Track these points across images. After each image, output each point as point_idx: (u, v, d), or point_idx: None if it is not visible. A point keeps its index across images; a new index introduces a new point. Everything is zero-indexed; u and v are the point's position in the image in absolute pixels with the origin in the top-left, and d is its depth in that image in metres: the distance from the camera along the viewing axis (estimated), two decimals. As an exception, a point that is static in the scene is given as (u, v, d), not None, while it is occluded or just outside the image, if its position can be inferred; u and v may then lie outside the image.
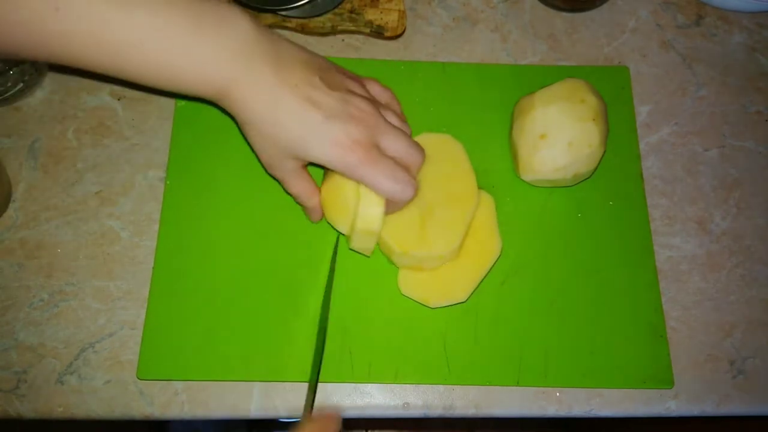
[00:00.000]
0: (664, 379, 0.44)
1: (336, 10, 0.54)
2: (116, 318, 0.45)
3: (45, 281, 0.46)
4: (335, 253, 0.46)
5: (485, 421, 1.02)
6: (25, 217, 0.48)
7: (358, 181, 0.40)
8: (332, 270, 0.46)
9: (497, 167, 0.50)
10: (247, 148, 0.45)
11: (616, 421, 0.66)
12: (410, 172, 0.42)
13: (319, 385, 0.44)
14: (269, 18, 0.54)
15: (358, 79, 0.44)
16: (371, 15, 0.54)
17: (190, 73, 0.36)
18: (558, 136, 0.45)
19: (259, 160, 0.42)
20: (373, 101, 0.42)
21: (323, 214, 0.45)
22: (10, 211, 0.48)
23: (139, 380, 0.44)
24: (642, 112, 0.53)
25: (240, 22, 0.36)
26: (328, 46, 0.54)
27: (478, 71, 0.53)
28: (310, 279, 0.46)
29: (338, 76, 0.41)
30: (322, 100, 0.38)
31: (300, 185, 0.43)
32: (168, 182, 0.49)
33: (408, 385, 0.44)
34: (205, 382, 0.44)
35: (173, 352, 0.44)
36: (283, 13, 0.53)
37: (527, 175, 0.47)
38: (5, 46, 0.33)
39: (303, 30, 0.54)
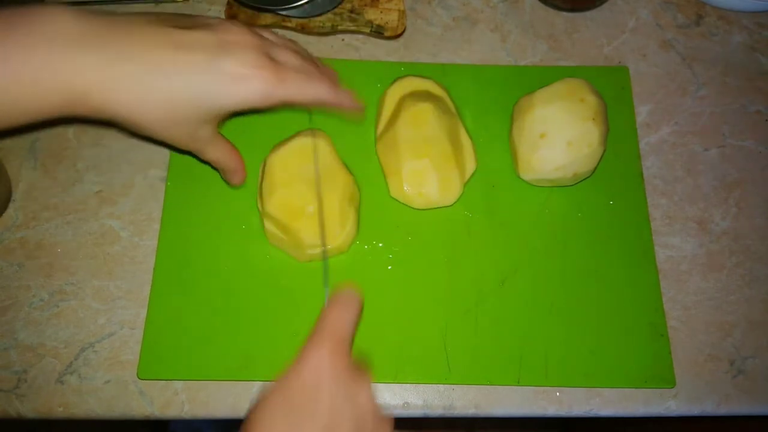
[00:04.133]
0: (666, 379, 0.44)
1: (336, 10, 0.54)
2: (116, 318, 0.45)
3: (45, 281, 0.46)
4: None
5: (485, 421, 1.01)
6: (25, 217, 0.48)
7: (287, 102, 0.35)
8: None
9: (497, 167, 0.50)
10: (247, 148, 0.46)
11: (616, 421, 0.66)
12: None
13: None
14: (269, 18, 0.54)
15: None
16: (371, 15, 0.54)
17: (26, 85, 0.29)
18: (558, 136, 0.45)
19: (170, 144, 0.36)
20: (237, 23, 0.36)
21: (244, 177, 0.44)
22: (10, 211, 0.48)
23: (139, 380, 0.44)
24: (642, 112, 0.53)
25: (50, 11, 0.30)
26: (328, 46, 0.54)
27: (478, 72, 0.53)
28: (311, 278, 0.46)
29: (185, 17, 0.35)
30: (190, 39, 0.32)
31: (220, 149, 0.39)
32: (169, 183, 0.49)
33: (408, 384, 0.44)
34: (205, 382, 0.44)
35: (173, 352, 0.44)
36: (283, 12, 0.53)
37: (527, 175, 0.47)
38: None
39: (303, 30, 0.54)
